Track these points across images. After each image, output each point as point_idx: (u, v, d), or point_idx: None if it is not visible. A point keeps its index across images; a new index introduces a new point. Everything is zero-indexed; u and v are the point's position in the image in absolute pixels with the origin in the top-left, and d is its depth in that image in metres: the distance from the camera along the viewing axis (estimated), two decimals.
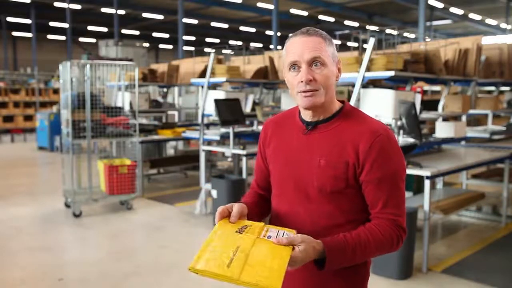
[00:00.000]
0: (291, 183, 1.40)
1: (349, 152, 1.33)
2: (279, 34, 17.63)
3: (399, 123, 4.26)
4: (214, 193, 5.34)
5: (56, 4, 22.13)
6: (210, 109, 5.93)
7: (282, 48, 1.44)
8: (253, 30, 28.17)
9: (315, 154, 1.37)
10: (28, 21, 24.67)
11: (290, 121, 1.48)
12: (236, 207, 1.34)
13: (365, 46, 4.39)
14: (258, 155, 1.59)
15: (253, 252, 1.18)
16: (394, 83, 5.62)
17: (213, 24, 26.47)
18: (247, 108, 6.94)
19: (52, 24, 26.46)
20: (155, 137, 7.41)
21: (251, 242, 1.22)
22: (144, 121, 8.29)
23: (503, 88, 8.14)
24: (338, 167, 1.34)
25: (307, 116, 1.41)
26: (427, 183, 3.89)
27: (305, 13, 23.44)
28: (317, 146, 1.38)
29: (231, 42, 29.19)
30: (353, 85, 4.36)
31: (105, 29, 27.21)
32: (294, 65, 1.34)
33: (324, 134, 1.38)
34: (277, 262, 1.16)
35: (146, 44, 20.36)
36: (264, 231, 1.28)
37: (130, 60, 10.91)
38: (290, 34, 1.43)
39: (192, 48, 9.58)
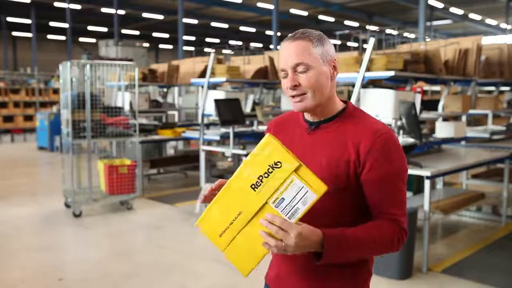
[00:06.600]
0: None
1: (350, 151, 1.34)
2: (279, 34, 17.62)
3: (399, 123, 4.26)
4: None
5: (56, 4, 22.13)
6: (210, 109, 5.93)
7: None
8: (253, 30, 28.18)
9: (317, 154, 1.38)
10: (28, 21, 24.67)
11: (294, 121, 1.50)
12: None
13: (365, 46, 4.39)
14: None
15: (248, 226, 1.24)
16: (394, 83, 5.63)
17: (213, 24, 26.47)
18: (247, 108, 6.95)
19: (52, 24, 26.48)
20: (155, 137, 7.40)
21: (254, 209, 1.23)
22: (144, 121, 8.29)
23: (503, 88, 8.13)
24: (339, 166, 1.34)
25: (309, 116, 1.44)
26: (427, 183, 3.89)
27: (305, 13, 23.44)
28: (319, 145, 1.39)
29: (231, 42, 29.19)
30: (353, 85, 4.37)
31: (105, 29, 27.22)
32: (284, 72, 1.38)
33: (326, 134, 1.40)
34: (262, 248, 1.22)
35: (146, 44, 20.35)
36: (284, 186, 1.21)
37: (130, 60, 10.90)
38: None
39: (192, 48, 9.59)
